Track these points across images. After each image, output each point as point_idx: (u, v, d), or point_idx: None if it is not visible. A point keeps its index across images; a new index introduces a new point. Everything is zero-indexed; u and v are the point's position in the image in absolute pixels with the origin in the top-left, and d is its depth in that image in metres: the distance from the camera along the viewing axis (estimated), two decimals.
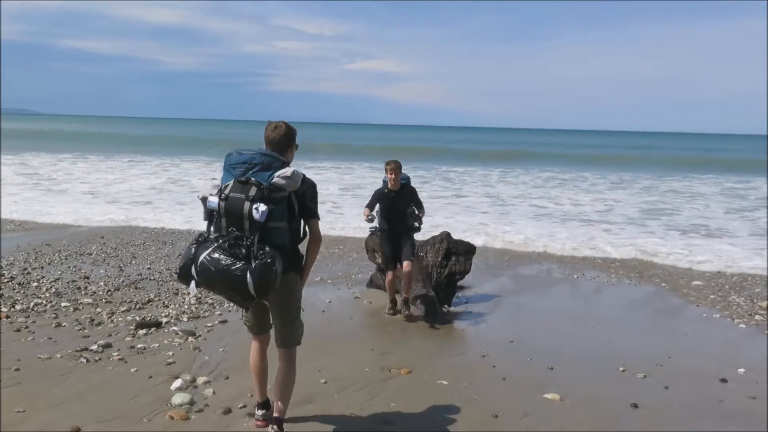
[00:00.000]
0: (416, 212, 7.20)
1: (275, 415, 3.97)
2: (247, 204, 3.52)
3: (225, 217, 3.59)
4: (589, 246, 12.21)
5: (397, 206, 7.18)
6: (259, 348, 4.14)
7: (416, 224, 7.23)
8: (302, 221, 3.90)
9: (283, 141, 3.89)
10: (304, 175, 3.78)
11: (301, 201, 3.81)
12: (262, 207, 3.51)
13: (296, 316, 3.99)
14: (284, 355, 3.99)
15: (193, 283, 3.61)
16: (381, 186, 7.28)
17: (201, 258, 3.54)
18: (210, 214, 3.68)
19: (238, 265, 3.47)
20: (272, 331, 4.09)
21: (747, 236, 13.98)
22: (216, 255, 3.51)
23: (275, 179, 3.62)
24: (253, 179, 3.59)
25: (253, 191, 3.55)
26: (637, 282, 9.55)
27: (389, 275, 7.28)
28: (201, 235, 3.69)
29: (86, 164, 28.74)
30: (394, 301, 7.38)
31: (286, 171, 3.65)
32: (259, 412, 4.25)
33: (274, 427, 3.92)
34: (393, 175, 7.06)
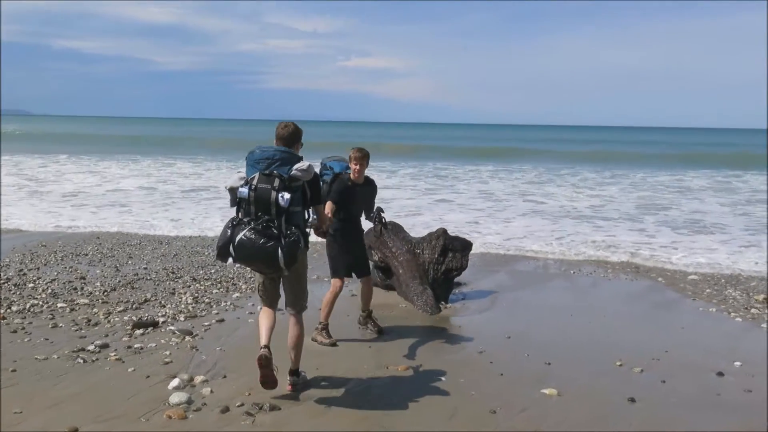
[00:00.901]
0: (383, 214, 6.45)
1: (291, 368, 4.84)
2: (273, 193, 4.28)
3: (254, 204, 4.32)
4: (585, 242, 12.23)
5: (360, 204, 6.27)
6: (270, 316, 4.74)
7: (381, 228, 6.50)
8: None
9: (291, 138, 4.64)
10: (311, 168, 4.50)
11: (310, 189, 4.56)
12: (287, 195, 4.28)
13: (305, 286, 4.84)
14: (295, 318, 4.80)
15: (230, 259, 4.36)
16: (331, 176, 6.17)
17: (238, 238, 4.28)
18: (239, 202, 4.41)
19: (272, 243, 4.25)
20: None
21: (741, 230, 14.02)
22: (252, 235, 4.26)
23: (294, 172, 4.36)
24: (275, 172, 4.33)
25: (276, 182, 4.30)
26: (633, 277, 9.56)
27: (339, 284, 6.23)
28: (233, 219, 4.41)
29: (78, 166, 28.57)
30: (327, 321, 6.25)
31: (303, 164, 4.40)
32: (264, 350, 4.59)
33: (293, 377, 4.83)
34: (358, 167, 6.01)
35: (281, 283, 4.82)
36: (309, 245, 4.68)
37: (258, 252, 4.26)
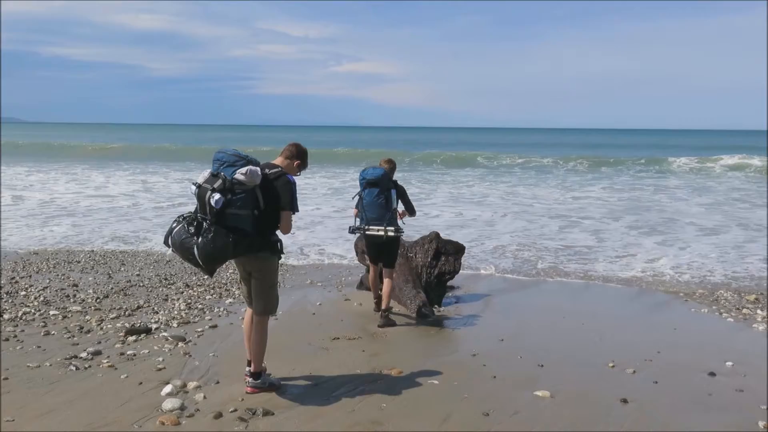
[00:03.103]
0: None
1: (251, 369, 4.84)
2: (208, 193, 4.32)
3: (197, 201, 4.43)
4: (576, 245, 12.27)
5: None
6: (250, 318, 4.88)
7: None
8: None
9: (288, 151, 4.92)
10: (279, 175, 4.60)
11: (274, 195, 4.53)
12: (217, 196, 4.29)
13: (269, 289, 4.77)
14: (257, 321, 4.82)
15: (170, 249, 4.52)
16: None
17: (174, 231, 4.44)
18: None
19: (189, 239, 4.34)
20: None
21: (730, 229, 14.08)
22: (178, 228, 4.42)
23: (237, 175, 4.38)
24: (222, 173, 4.40)
25: (217, 183, 4.35)
26: (624, 280, 9.60)
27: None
28: (183, 214, 4.57)
29: (68, 176, 28.41)
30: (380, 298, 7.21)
31: (243, 169, 4.39)
32: (248, 370, 4.88)
33: (249, 380, 4.83)
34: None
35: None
36: (268, 248, 4.61)
37: (180, 246, 4.38)
